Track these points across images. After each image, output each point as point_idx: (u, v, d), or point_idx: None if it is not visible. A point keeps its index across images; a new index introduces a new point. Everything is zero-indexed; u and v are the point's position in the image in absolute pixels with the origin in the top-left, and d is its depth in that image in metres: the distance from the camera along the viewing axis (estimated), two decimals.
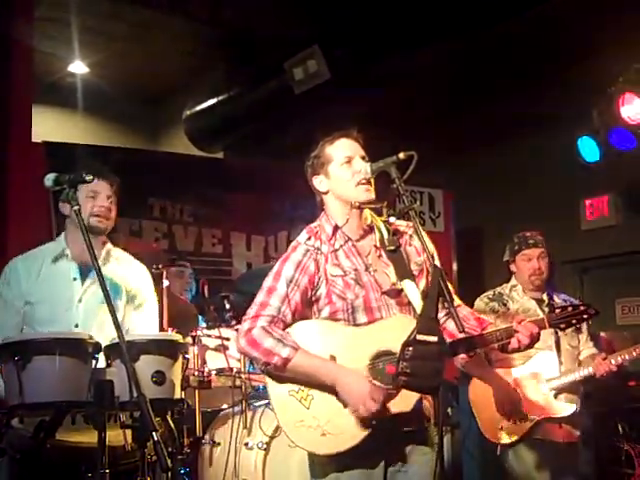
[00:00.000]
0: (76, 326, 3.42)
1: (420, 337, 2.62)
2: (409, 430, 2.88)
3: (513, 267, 4.45)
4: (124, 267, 3.65)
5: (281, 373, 2.84)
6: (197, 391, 4.45)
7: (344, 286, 2.92)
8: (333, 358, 2.84)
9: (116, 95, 8.60)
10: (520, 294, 4.40)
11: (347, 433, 2.79)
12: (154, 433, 2.42)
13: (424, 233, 2.84)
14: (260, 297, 2.92)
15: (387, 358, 2.82)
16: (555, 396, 4.14)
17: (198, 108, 8.14)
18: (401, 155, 2.83)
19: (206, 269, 6.73)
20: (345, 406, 2.79)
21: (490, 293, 4.47)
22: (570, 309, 3.18)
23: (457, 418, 5.50)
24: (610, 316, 7.69)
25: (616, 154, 5.80)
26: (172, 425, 3.22)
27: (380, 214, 3.10)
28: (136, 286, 3.65)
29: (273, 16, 6.89)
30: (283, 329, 2.88)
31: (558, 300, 4.38)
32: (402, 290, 2.94)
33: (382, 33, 6.32)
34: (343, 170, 2.98)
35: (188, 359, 4.28)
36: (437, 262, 2.82)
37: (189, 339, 4.46)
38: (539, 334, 2.96)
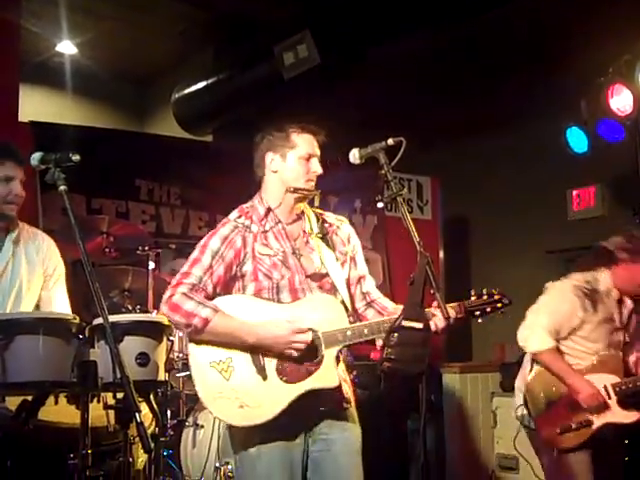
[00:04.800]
0: None
1: (405, 323, 2.64)
2: (327, 409, 2.96)
3: (625, 266, 4.15)
4: (39, 243, 3.60)
5: (201, 335, 2.89)
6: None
7: (271, 265, 3.01)
8: None
9: (104, 76, 8.54)
10: (612, 300, 4.12)
11: (265, 406, 2.85)
12: (137, 414, 2.42)
13: (410, 220, 2.84)
14: (184, 267, 3.00)
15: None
16: (619, 402, 3.96)
17: (187, 91, 8.07)
18: (390, 141, 2.85)
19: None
20: (262, 374, 2.85)
21: (584, 285, 4.12)
22: (485, 297, 3.13)
23: (440, 404, 5.53)
24: None
25: (604, 145, 5.79)
26: (155, 407, 3.22)
27: (312, 204, 3.19)
28: (54, 261, 3.62)
29: None
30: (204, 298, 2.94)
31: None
32: (326, 274, 3.05)
33: (371, 19, 6.28)
34: (301, 164, 3.08)
35: (173, 341, 4.27)
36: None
37: None
38: (454, 319, 2.99)
